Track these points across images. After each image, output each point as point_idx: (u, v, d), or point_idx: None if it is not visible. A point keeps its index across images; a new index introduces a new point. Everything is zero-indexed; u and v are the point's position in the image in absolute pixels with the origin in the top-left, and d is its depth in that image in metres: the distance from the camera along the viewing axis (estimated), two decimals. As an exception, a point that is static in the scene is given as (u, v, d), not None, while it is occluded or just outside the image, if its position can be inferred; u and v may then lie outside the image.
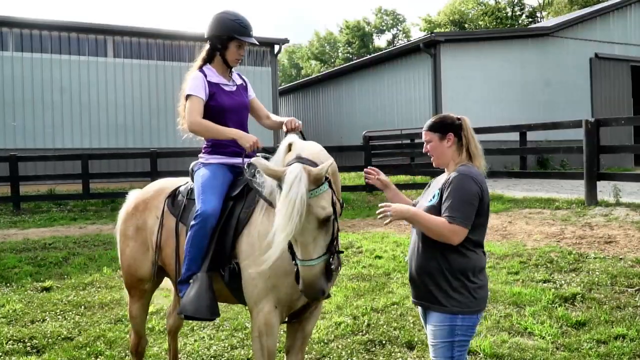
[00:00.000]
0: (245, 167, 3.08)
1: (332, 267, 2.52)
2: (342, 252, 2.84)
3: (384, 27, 54.20)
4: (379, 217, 2.56)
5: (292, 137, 2.82)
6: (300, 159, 2.58)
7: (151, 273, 3.37)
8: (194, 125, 3.23)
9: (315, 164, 2.55)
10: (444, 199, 2.58)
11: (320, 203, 2.46)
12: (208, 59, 3.41)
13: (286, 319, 3.02)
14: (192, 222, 3.00)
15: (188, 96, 3.28)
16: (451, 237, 2.52)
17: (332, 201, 2.53)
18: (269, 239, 2.59)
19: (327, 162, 2.56)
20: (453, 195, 2.55)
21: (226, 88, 3.36)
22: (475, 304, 2.61)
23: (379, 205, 2.58)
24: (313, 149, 2.74)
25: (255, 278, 2.78)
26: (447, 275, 2.58)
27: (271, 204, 2.80)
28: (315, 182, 2.46)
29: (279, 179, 2.48)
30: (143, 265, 3.38)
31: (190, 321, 4.52)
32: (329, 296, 2.94)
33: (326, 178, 2.54)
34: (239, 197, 3.05)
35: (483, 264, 2.70)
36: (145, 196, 3.51)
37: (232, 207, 3.02)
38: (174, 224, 3.23)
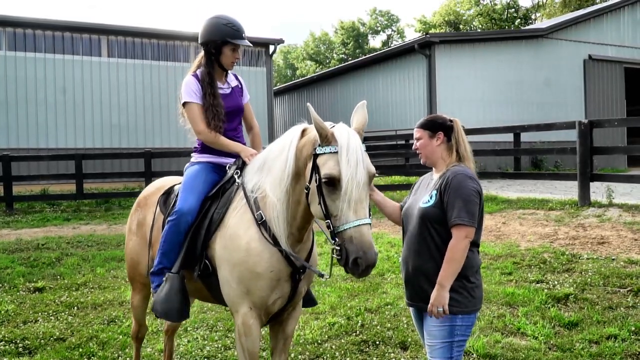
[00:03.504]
0: (227, 167, 3.16)
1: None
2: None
3: (379, 28, 54.21)
4: (436, 312, 2.54)
5: (302, 124, 2.75)
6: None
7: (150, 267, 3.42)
8: (202, 135, 3.25)
9: None
10: (445, 201, 2.58)
11: (368, 159, 2.52)
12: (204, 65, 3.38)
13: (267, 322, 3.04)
14: (169, 219, 3.07)
15: (185, 103, 3.28)
16: (467, 242, 2.54)
17: None
18: (240, 242, 2.70)
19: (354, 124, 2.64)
20: (456, 196, 2.56)
21: (220, 91, 3.34)
22: (474, 304, 2.62)
23: (430, 312, 2.55)
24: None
25: (230, 281, 2.80)
26: None
27: (249, 203, 2.83)
28: (361, 138, 2.53)
29: (326, 136, 2.49)
30: (143, 259, 3.47)
31: (184, 321, 4.51)
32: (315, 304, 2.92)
33: None
34: (215, 197, 3.08)
35: (479, 263, 2.73)
36: (147, 193, 3.64)
37: (208, 207, 3.05)
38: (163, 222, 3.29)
